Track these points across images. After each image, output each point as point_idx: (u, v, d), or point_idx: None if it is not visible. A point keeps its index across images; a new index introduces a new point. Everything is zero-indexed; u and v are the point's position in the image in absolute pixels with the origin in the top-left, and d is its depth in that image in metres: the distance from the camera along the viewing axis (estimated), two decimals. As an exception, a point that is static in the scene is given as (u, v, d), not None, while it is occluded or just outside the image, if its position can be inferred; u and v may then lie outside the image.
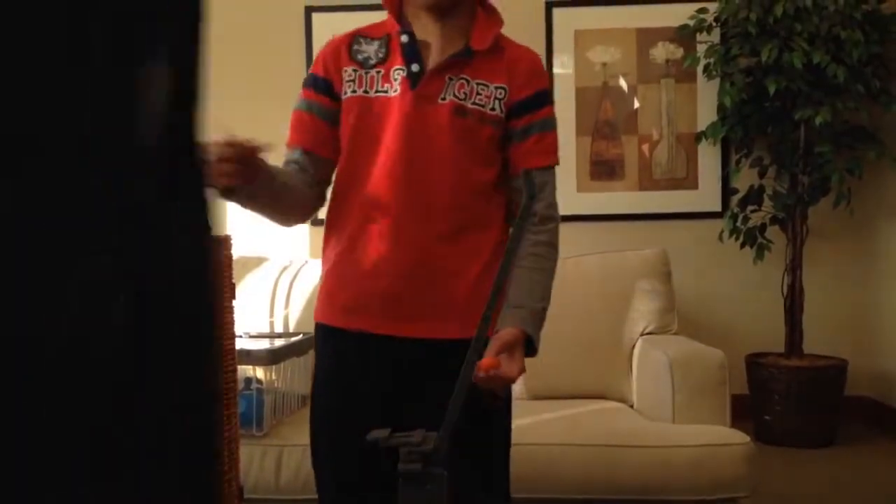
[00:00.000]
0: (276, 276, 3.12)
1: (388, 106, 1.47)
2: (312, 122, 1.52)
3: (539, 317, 1.46)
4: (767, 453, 3.35)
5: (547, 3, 3.97)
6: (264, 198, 1.44)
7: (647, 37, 3.96)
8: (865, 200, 3.87)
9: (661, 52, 3.96)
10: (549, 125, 1.53)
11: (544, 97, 1.53)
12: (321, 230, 1.59)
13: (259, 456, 2.36)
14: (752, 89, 3.62)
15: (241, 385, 2.34)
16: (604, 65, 3.97)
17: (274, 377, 2.52)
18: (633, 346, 2.91)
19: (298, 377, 2.71)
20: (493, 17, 1.54)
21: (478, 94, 1.47)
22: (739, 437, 2.23)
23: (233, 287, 1.17)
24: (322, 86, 1.52)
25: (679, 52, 3.94)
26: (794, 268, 3.66)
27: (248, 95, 3.74)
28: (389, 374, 1.50)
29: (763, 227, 3.74)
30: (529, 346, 1.43)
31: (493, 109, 1.47)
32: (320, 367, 1.58)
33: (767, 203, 3.75)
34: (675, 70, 3.96)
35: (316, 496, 1.62)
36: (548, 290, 1.50)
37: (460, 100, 1.46)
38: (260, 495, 2.33)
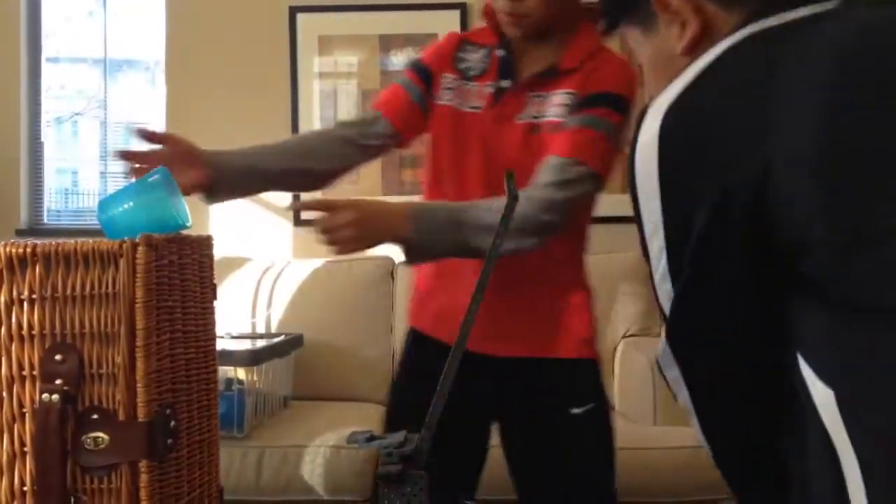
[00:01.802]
0: (258, 276, 3.11)
1: (475, 123, 1.48)
2: (404, 96, 1.55)
3: (438, 222, 1.35)
4: (748, 456, 3.36)
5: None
6: (250, 183, 1.48)
7: (631, 40, 3.98)
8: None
9: (645, 55, 3.98)
10: (596, 124, 1.40)
11: (606, 99, 1.41)
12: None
13: (239, 457, 2.35)
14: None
15: (221, 386, 2.33)
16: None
17: (255, 378, 2.51)
18: (615, 349, 2.92)
19: (280, 378, 2.70)
20: (590, 34, 1.46)
21: (553, 105, 1.43)
22: (720, 440, 2.24)
23: (214, 287, 1.17)
24: (424, 74, 1.54)
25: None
26: (775, 271, 3.68)
27: (232, 95, 3.73)
28: (475, 390, 1.49)
29: (745, 231, 3.76)
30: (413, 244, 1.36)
31: (562, 117, 1.43)
32: (404, 369, 1.63)
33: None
34: (658, 74, 3.98)
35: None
36: (479, 224, 1.33)
37: (535, 118, 1.44)
38: (240, 497, 2.31)
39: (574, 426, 1.51)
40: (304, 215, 3.36)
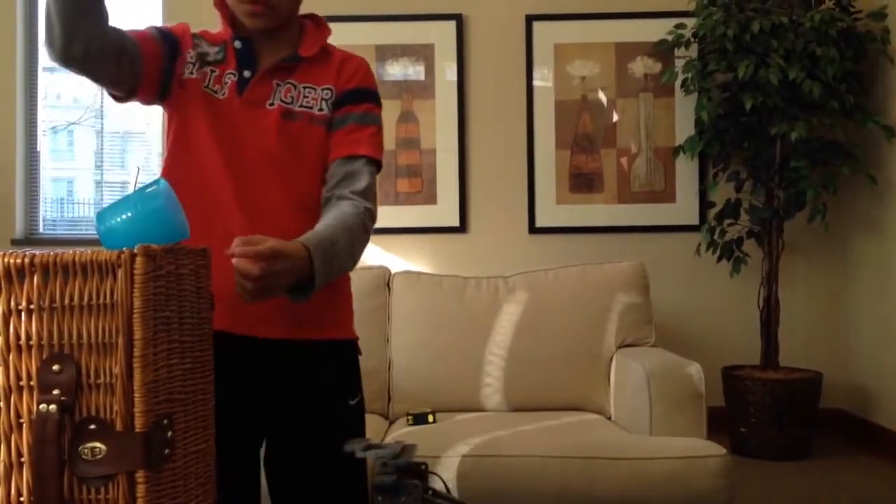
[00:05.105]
0: (254, 286, 3.10)
1: (213, 107, 1.49)
2: (155, 43, 1.48)
3: (330, 253, 1.34)
4: (743, 465, 3.37)
5: (527, 17, 4.00)
6: None
7: (625, 51, 4.00)
8: (840, 215, 3.92)
9: (640, 66, 4.00)
10: (369, 119, 1.54)
11: (367, 94, 1.56)
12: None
13: (235, 467, 2.34)
14: (728, 104, 3.66)
15: (217, 396, 2.32)
16: (583, 78, 4.00)
17: (251, 388, 2.50)
18: (611, 358, 2.92)
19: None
20: (322, 27, 1.60)
21: (305, 97, 1.51)
22: (716, 450, 2.24)
23: (211, 298, 1.17)
24: (173, 40, 1.51)
25: (657, 67, 3.98)
26: (769, 281, 3.69)
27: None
28: (250, 376, 1.48)
29: (739, 241, 3.77)
30: (309, 285, 1.32)
31: (321, 110, 1.51)
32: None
33: (744, 217, 3.79)
34: (653, 84, 4.00)
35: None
36: (344, 241, 1.39)
37: (287, 104, 1.50)
38: (236, 507, 2.31)
39: (349, 418, 1.54)
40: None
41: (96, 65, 1.39)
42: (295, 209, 1.49)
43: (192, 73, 1.51)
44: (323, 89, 1.52)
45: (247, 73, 1.50)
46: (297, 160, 1.50)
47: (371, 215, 1.49)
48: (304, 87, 1.52)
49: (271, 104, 1.49)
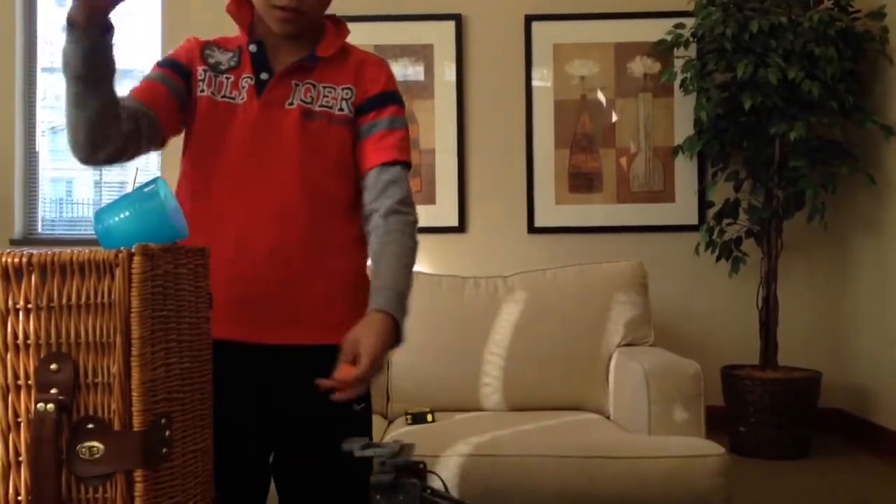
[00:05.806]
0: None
1: (232, 113, 1.49)
2: (163, 91, 1.49)
3: (405, 300, 1.44)
4: (742, 465, 3.37)
5: (526, 17, 4.00)
6: (99, 72, 1.33)
7: (625, 51, 4.00)
8: (839, 215, 3.92)
9: (639, 66, 4.00)
10: (398, 124, 1.54)
11: (391, 97, 1.55)
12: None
13: (234, 467, 2.34)
14: (727, 104, 3.66)
15: (216, 396, 2.32)
16: (582, 78, 4.00)
17: (250, 388, 2.50)
18: (610, 358, 2.92)
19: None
20: (340, 27, 1.59)
21: (324, 96, 1.51)
22: (714, 449, 2.24)
23: (209, 297, 1.17)
24: (181, 70, 1.52)
25: (656, 67, 3.98)
26: (768, 281, 3.69)
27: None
28: (256, 383, 1.48)
29: (738, 241, 3.77)
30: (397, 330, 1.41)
31: (341, 110, 1.51)
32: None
33: (743, 217, 3.79)
34: (652, 84, 4.00)
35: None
36: (404, 275, 1.47)
37: (307, 103, 1.49)
38: (235, 507, 2.31)
39: (355, 424, 1.52)
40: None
41: (120, 160, 1.45)
42: (314, 209, 1.49)
43: (203, 90, 1.51)
44: (343, 89, 1.52)
45: (264, 76, 1.50)
46: (316, 160, 1.49)
47: (415, 226, 1.52)
48: (324, 87, 1.51)
49: (290, 104, 1.49)
